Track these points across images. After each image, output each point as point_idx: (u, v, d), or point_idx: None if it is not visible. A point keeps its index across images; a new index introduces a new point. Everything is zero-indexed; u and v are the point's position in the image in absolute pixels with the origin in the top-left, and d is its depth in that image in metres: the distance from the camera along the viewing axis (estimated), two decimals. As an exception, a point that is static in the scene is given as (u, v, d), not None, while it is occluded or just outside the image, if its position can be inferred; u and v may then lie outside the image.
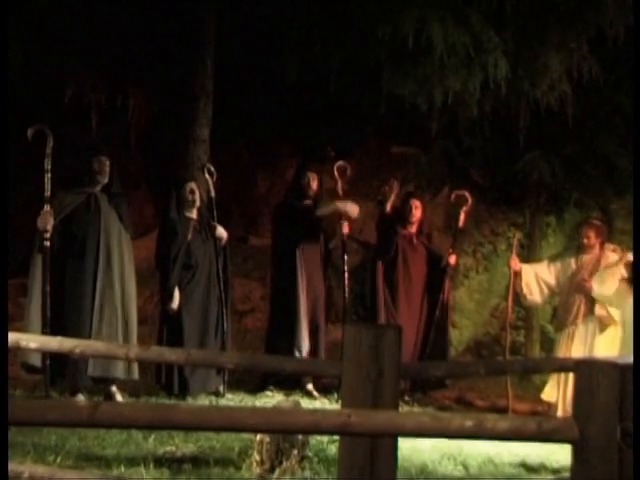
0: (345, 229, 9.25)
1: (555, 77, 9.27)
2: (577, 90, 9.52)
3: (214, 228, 8.62)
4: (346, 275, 9.22)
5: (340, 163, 9.40)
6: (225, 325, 8.60)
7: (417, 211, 9.64)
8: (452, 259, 9.56)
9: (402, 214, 9.67)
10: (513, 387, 9.13)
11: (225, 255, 8.77)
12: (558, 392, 8.66)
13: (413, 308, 9.57)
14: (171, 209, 8.51)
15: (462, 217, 9.61)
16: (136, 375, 8.00)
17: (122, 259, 8.01)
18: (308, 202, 9.36)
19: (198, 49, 9.09)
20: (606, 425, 3.02)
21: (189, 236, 8.46)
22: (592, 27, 9.08)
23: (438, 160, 11.40)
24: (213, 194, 8.65)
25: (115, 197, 8.07)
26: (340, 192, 9.34)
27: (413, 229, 9.68)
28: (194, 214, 8.57)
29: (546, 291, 9.11)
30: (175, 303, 8.39)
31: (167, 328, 8.44)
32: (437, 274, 9.58)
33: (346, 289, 9.24)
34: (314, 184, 9.35)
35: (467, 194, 9.63)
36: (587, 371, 3.09)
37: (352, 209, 9.29)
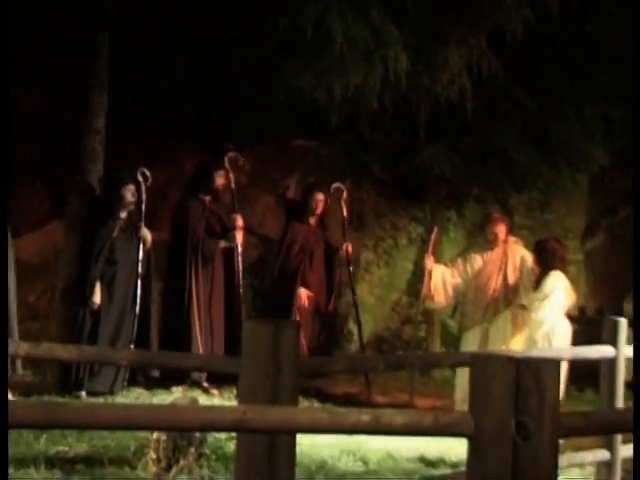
0: (239, 222, 9.23)
1: (455, 72, 9.39)
2: (476, 85, 9.65)
3: (139, 229, 8.63)
4: (240, 270, 9.19)
5: (231, 154, 9.34)
6: (143, 325, 8.68)
7: (320, 204, 9.72)
8: (349, 247, 9.67)
9: (305, 207, 9.73)
10: (409, 381, 9.24)
11: (149, 257, 8.83)
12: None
13: (319, 301, 9.63)
14: (102, 207, 8.69)
15: (343, 207, 9.75)
16: (20, 372, 7.91)
17: None
18: (209, 198, 9.34)
19: (92, 37, 8.94)
20: (501, 419, 3.06)
21: (114, 233, 8.60)
22: (491, 23, 9.22)
23: (339, 154, 11.45)
24: (144, 197, 8.76)
25: None
26: (233, 185, 9.28)
27: (315, 222, 9.74)
28: (124, 214, 8.75)
29: (451, 293, 9.11)
30: (97, 298, 8.46)
31: (82, 325, 8.41)
32: (335, 265, 9.69)
33: (241, 284, 9.20)
34: (219, 180, 9.33)
35: (342, 185, 9.80)
36: (483, 365, 3.13)
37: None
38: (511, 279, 8.90)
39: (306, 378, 8.95)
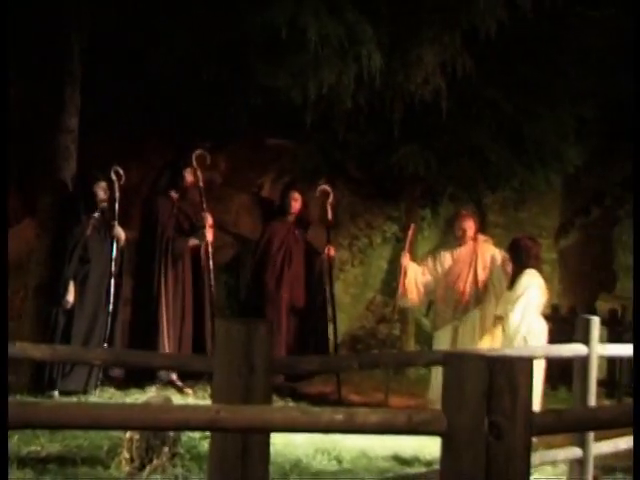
0: (209, 220, 9.20)
1: (429, 71, 9.40)
2: (451, 84, 9.67)
3: (112, 228, 8.61)
4: (211, 269, 9.16)
5: (199, 152, 9.29)
6: (114, 324, 8.66)
7: (296, 203, 9.72)
8: (331, 251, 9.66)
9: (281, 206, 9.73)
10: (384, 380, 9.25)
11: (122, 256, 8.83)
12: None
13: (296, 303, 9.62)
14: (75, 205, 8.66)
15: (329, 210, 9.73)
16: None
17: None
18: (177, 196, 9.31)
19: (65, 36, 8.89)
20: (474, 418, 3.07)
21: (88, 232, 8.58)
22: (465, 21, 9.24)
23: (314, 153, 11.44)
24: (117, 195, 8.75)
25: None
26: (201, 183, 9.24)
27: (292, 221, 9.74)
28: (97, 212, 8.73)
29: (422, 291, 9.12)
30: (70, 296, 8.44)
31: (55, 324, 8.38)
32: (315, 266, 9.67)
33: (212, 283, 9.18)
34: (188, 178, 9.31)
35: (328, 188, 9.78)
36: (455, 363, 3.14)
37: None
38: (481, 277, 8.88)
39: (284, 378, 9.03)
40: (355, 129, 10.61)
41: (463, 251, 9.00)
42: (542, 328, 8.42)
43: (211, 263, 9.20)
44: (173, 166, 9.45)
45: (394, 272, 12.42)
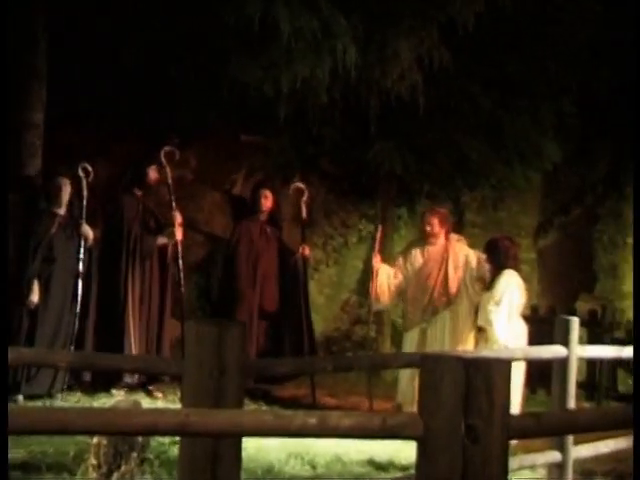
0: (178, 219, 9.17)
1: (405, 64, 9.41)
2: (428, 79, 9.69)
3: (80, 226, 8.57)
4: (181, 269, 9.14)
5: (167, 148, 9.24)
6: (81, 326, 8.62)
7: (267, 201, 9.71)
8: (306, 250, 9.65)
9: (252, 204, 9.72)
10: (366, 384, 9.25)
11: (90, 255, 8.78)
12: (413, 393, 8.56)
13: (268, 303, 9.61)
14: (40, 202, 8.64)
15: (303, 209, 9.71)
16: None
17: None
18: (142, 193, 9.28)
19: (31, 30, 8.85)
20: (450, 421, 3.09)
21: (53, 230, 8.54)
22: (442, 14, 9.26)
23: (287, 149, 11.43)
24: (85, 192, 8.71)
25: None
26: (170, 180, 9.19)
27: (263, 219, 9.73)
28: (62, 210, 8.68)
29: (394, 293, 9.04)
30: (35, 296, 8.43)
31: (19, 325, 8.35)
32: (289, 267, 9.66)
33: (182, 283, 9.16)
34: (152, 175, 9.28)
35: (302, 186, 9.76)
36: (432, 365, 3.15)
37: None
38: (452, 278, 8.78)
39: (255, 381, 9.01)
40: (330, 125, 10.62)
41: (434, 250, 8.89)
42: (522, 330, 8.43)
43: (180, 262, 9.17)
44: (137, 163, 9.41)
45: (370, 272, 12.44)
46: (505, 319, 8.20)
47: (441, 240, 8.90)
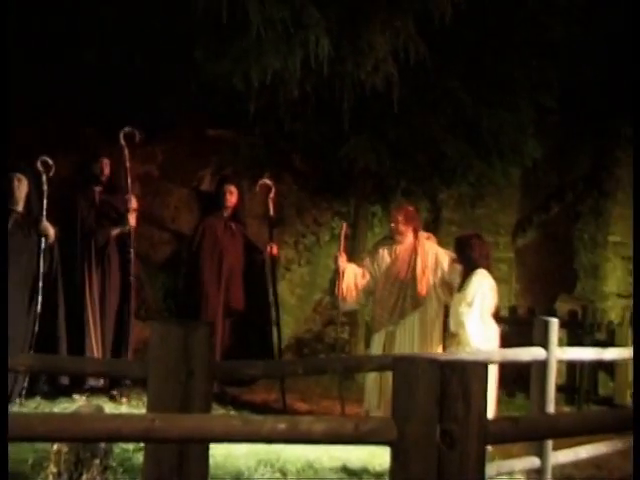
0: (132, 203, 9.12)
1: (380, 57, 9.41)
2: (404, 72, 9.70)
3: (39, 223, 8.51)
4: (132, 259, 9.09)
5: (126, 129, 9.08)
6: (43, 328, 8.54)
7: (232, 196, 9.70)
8: (274, 249, 9.64)
9: (216, 199, 9.70)
10: (338, 388, 9.26)
11: (52, 253, 8.70)
12: (380, 398, 8.46)
13: (234, 302, 9.59)
14: None
15: (270, 206, 9.70)
16: None
17: None
18: (99, 188, 9.23)
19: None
20: (425, 426, 3.10)
21: (8, 227, 8.40)
22: (418, 5, 9.27)
23: (257, 144, 11.43)
24: (45, 188, 8.62)
25: None
26: (128, 163, 9.09)
27: (228, 215, 9.72)
28: (19, 207, 8.60)
29: (362, 294, 8.94)
30: None
31: None
32: (256, 265, 9.66)
33: (132, 281, 9.11)
34: (107, 170, 9.22)
35: (269, 182, 9.77)
36: (406, 368, 3.16)
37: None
38: (420, 278, 8.64)
39: (221, 384, 8.99)
40: (302, 119, 10.62)
41: (402, 249, 8.75)
42: (494, 333, 8.37)
43: (132, 252, 9.10)
44: (93, 156, 9.35)
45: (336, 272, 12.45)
46: (477, 321, 8.14)
47: (409, 238, 8.75)
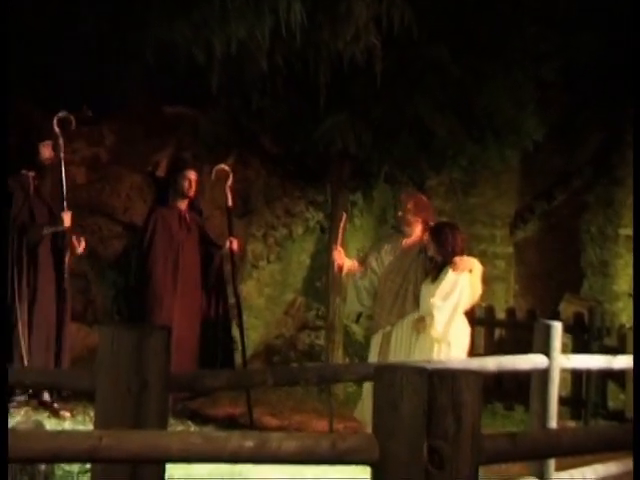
0: (67, 221, 9.06)
1: (360, 25, 9.43)
2: (387, 42, 9.71)
3: None
4: (66, 261, 9.08)
5: (60, 114, 9.06)
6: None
7: (191, 185, 9.68)
8: (234, 244, 9.63)
9: (173, 187, 9.69)
10: (327, 400, 9.28)
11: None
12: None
13: (192, 304, 9.59)
14: None
15: (228, 195, 9.72)
16: None
17: None
18: (34, 175, 9.17)
19: None
20: (410, 443, 3.10)
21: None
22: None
23: (221, 123, 11.42)
24: None
25: None
26: (62, 153, 9.05)
27: (183, 206, 9.70)
28: None
29: (365, 296, 8.99)
30: None
31: None
32: (215, 263, 9.66)
33: (65, 282, 9.09)
34: (45, 153, 9.15)
35: (227, 168, 9.79)
36: (389, 379, 3.16)
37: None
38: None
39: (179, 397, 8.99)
40: (271, 95, 10.62)
41: (408, 243, 8.83)
42: (465, 330, 8.49)
43: (67, 256, 9.07)
44: (27, 139, 9.29)
45: (318, 269, 12.46)
46: (448, 315, 8.28)
47: (417, 231, 8.83)
